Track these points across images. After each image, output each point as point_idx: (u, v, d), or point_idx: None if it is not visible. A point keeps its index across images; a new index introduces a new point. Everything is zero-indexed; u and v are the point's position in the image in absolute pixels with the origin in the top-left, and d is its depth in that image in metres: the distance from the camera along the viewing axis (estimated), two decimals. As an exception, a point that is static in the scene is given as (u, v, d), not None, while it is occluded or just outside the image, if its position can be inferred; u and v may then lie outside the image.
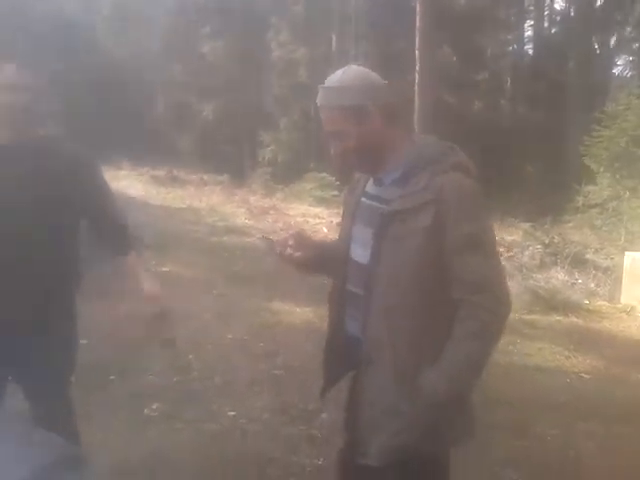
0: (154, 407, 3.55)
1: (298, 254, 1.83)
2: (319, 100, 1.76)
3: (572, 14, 23.44)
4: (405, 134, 1.84)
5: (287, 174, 19.04)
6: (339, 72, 1.75)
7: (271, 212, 11.74)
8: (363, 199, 1.84)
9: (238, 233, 9.44)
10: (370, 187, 1.84)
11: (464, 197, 1.65)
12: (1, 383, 2.22)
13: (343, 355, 1.91)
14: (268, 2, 23.71)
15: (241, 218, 11.06)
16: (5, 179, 2.01)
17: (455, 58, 25.33)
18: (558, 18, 27.14)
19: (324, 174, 16.04)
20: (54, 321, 2.16)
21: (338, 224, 2.18)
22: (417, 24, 14.04)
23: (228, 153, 24.75)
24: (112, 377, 3.89)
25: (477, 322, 1.61)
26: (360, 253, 1.79)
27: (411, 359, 1.69)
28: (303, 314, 5.39)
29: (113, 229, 2.25)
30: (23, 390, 2.27)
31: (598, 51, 23.12)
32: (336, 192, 14.41)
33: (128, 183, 13.53)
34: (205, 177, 17.21)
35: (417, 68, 14.20)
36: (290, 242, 1.84)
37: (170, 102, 25.68)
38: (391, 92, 1.78)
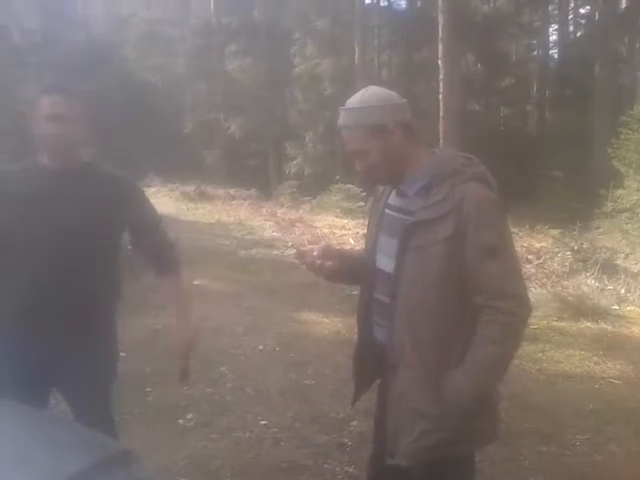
0: (189, 417, 3.65)
1: (328, 264, 1.91)
2: (341, 121, 1.84)
3: (597, 17, 23.19)
4: (426, 147, 1.92)
5: (313, 186, 19.16)
6: (359, 93, 1.84)
7: (298, 224, 11.83)
8: (387, 210, 1.92)
9: (266, 246, 9.54)
10: (393, 199, 1.92)
11: (483, 207, 1.72)
12: (45, 394, 2.33)
13: (372, 362, 1.99)
14: (292, 18, 24.03)
15: (269, 231, 11.17)
16: (57, 201, 2.14)
17: (479, 65, 25.28)
18: (583, 22, 26.92)
19: (350, 185, 16.09)
20: (98, 333, 2.27)
21: (364, 235, 2.26)
22: (439, 34, 14.10)
23: (255, 167, 25.05)
24: (148, 389, 4.00)
25: (498, 325, 1.69)
26: (386, 262, 1.86)
27: (436, 363, 1.77)
28: (332, 324, 5.45)
29: (154, 248, 2.33)
30: (66, 400, 2.38)
31: (624, 54, 22.84)
32: (362, 203, 14.45)
33: (159, 199, 13.81)
34: (233, 191, 17.40)
35: (441, 77, 14.23)
36: (318, 253, 1.93)
37: (198, 119, 26.09)
38: (409, 109, 1.86)
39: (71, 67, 16.78)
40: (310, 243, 8.93)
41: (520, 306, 1.73)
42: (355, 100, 1.83)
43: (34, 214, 2.12)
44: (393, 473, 1.93)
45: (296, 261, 2.07)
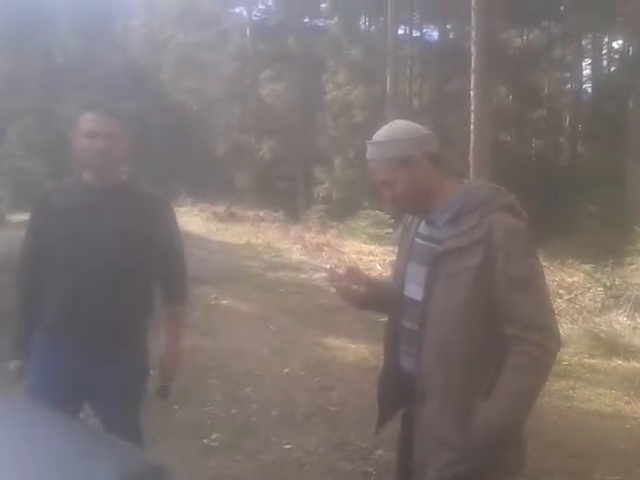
0: (213, 437, 3.66)
1: (359, 289, 1.92)
2: (369, 155, 1.88)
3: (630, 53, 23.07)
4: (454, 178, 1.94)
5: (341, 211, 19.22)
6: (385, 127, 1.89)
7: (325, 248, 11.86)
8: (417, 239, 1.93)
9: (293, 269, 9.58)
10: (423, 228, 1.93)
11: (511, 237, 1.73)
12: (77, 405, 2.37)
13: (397, 390, 1.98)
14: (325, 46, 24.40)
15: (296, 254, 11.22)
16: (96, 218, 2.21)
17: (511, 97, 25.27)
18: (617, 57, 26.77)
19: (378, 212, 16.10)
20: (130, 348, 2.32)
21: (392, 262, 2.28)
22: (472, 65, 14.15)
23: (284, 190, 25.26)
24: (175, 406, 4.03)
25: (527, 357, 1.68)
26: (414, 290, 1.87)
27: (463, 392, 1.76)
28: (358, 350, 5.43)
29: (169, 273, 2.41)
30: (96, 413, 2.43)
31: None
32: (390, 230, 14.43)
33: (190, 219, 14.02)
34: (261, 214, 17.57)
35: (472, 107, 14.23)
36: (346, 274, 1.95)
37: (230, 142, 26.52)
38: (436, 141, 1.89)
39: (109, 87, 17.26)
40: (338, 268, 8.93)
41: (550, 338, 1.72)
42: (381, 134, 1.87)
43: (74, 230, 2.20)
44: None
45: (326, 283, 2.09)
